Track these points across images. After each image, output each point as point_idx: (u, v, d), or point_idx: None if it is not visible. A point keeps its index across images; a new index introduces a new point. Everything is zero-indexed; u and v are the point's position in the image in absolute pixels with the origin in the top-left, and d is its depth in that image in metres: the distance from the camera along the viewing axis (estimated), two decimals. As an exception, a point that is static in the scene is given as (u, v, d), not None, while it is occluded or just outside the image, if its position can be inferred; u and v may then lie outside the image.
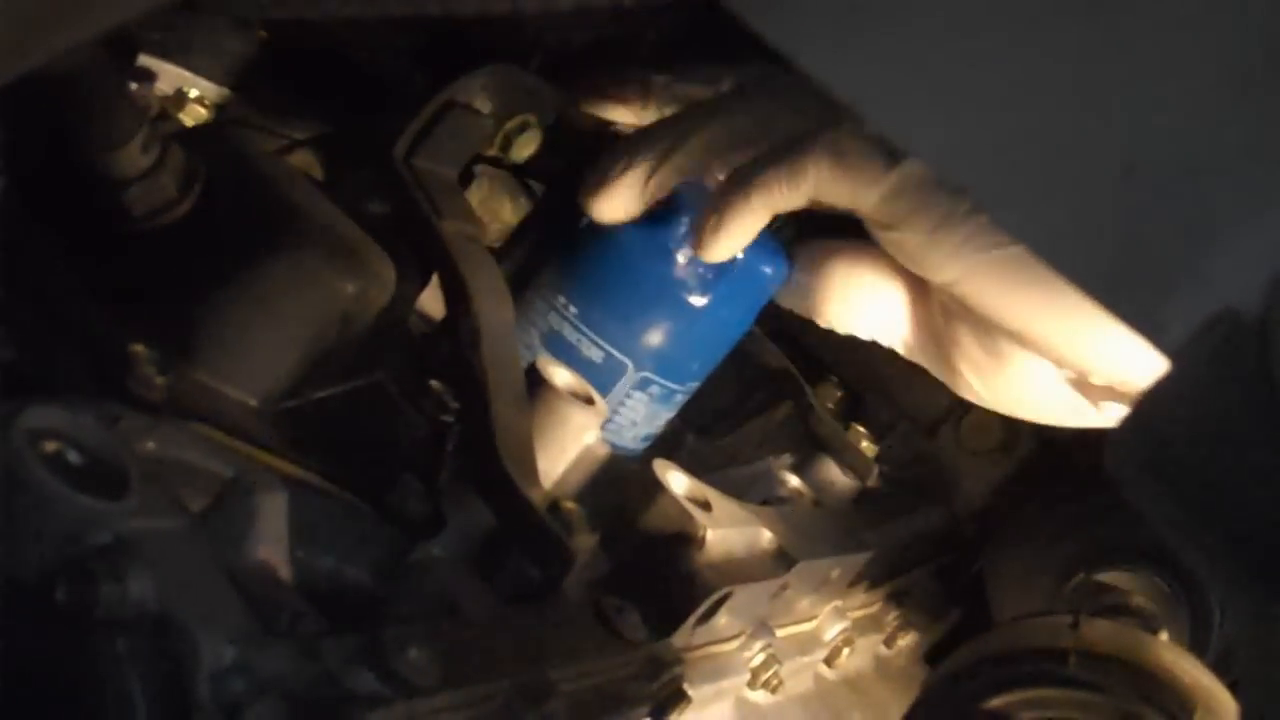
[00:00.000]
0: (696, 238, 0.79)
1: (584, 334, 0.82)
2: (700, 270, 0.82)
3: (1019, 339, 0.76)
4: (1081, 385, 0.79)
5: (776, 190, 0.75)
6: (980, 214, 0.71)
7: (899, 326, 0.84)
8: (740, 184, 0.76)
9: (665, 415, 0.88)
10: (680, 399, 0.88)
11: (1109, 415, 0.80)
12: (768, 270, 0.84)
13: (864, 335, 0.85)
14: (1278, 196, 0.37)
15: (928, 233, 0.73)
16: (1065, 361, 0.77)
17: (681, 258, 0.81)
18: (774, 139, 0.76)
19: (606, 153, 0.79)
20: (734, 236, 0.78)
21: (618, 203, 0.79)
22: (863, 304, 0.84)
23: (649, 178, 0.78)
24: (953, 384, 0.84)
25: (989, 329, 0.78)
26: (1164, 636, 0.98)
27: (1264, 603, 0.37)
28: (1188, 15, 0.38)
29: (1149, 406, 0.37)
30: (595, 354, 0.82)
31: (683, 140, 0.77)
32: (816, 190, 0.75)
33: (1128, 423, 0.37)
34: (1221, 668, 0.86)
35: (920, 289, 0.82)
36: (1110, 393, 0.78)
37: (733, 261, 0.81)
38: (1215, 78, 0.38)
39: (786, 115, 0.77)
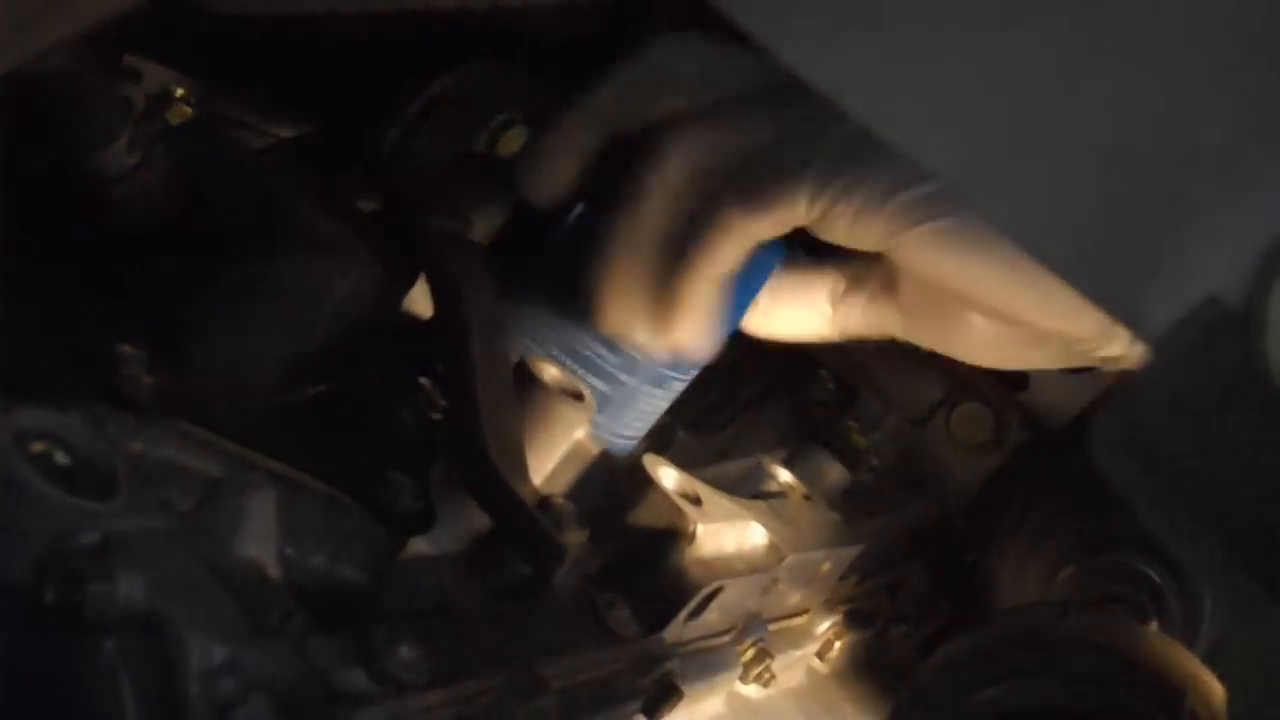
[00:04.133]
0: (664, 339, 0.79)
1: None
2: None
3: (956, 298, 0.78)
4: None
5: (712, 268, 0.76)
6: (896, 193, 0.73)
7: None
8: (676, 284, 0.76)
9: (664, 406, 0.88)
10: (679, 388, 0.88)
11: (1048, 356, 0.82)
12: (761, 258, 0.83)
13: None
14: (1259, 184, 0.38)
15: (851, 221, 0.74)
16: (1004, 318, 0.78)
17: None
18: (702, 97, 0.76)
19: (536, 132, 0.78)
20: (698, 327, 0.78)
21: (545, 182, 0.77)
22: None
23: (583, 154, 0.77)
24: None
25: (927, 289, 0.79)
26: (1154, 627, 0.98)
27: (1250, 591, 0.38)
28: (1168, 3, 0.38)
29: (1132, 393, 0.37)
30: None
31: (612, 116, 0.76)
32: (749, 240, 0.75)
33: (1109, 408, 0.37)
34: (1212, 659, 0.86)
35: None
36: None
37: None
38: (1196, 66, 0.39)
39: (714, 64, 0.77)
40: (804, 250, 0.86)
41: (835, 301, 0.86)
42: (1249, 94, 0.38)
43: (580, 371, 0.80)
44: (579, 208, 0.80)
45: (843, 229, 0.75)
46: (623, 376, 0.82)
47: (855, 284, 0.86)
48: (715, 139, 0.75)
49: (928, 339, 0.85)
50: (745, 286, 0.85)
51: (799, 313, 0.87)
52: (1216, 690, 0.77)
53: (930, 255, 0.75)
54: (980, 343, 0.83)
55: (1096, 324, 0.76)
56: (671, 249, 0.75)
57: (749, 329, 0.87)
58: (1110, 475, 0.39)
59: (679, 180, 0.75)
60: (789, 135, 0.74)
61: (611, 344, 0.81)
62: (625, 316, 0.77)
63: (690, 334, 0.78)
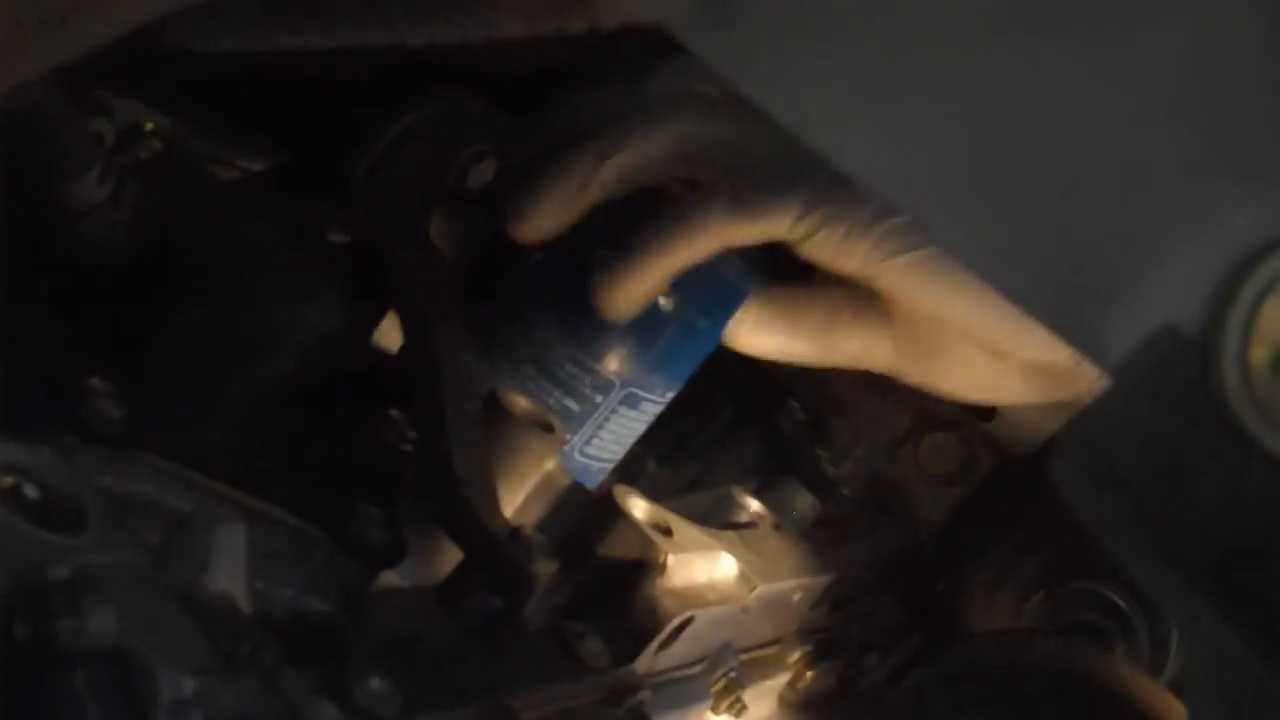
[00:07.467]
0: (595, 297, 0.79)
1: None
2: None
3: (944, 328, 0.78)
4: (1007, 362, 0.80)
5: (675, 253, 0.76)
6: (884, 219, 0.73)
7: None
8: (636, 249, 0.77)
9: (638, 430, 0.88)
10: (653, 412, 0.88)
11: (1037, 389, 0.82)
12: (731, 280, 0.84)
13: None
14: (1214, 214, 0.38)
15: (838, 244, 0.75)
16: (985, 344, 0.78)
17: None
18: (710, 156, 0.76)
19: (528, 171, 0.79)
20: (632, 299, 0.79)
21: (540, 223, 0.79)
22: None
23: (573, 197, 0.78)
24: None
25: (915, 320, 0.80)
26: (1120, 654, 0.99)
27: (1210, 617, 0.38)
28: (1126, 35, 0.39)
29: (1091, 420, 0.38)
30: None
31: (607, 158, 0.77)
32: (721, 242, 0.76)
33: (1070, 436, 0.38)
34: (1178, 685, 0.86)
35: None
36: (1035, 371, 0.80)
37: (698, 271, 0.81)
38: (1153, 97, 0.39)
39: (718, 126, 0.77)
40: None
41: (830, 326, 0.86)
42: (1204, 125, 0.39)
43: (554, 391, 0.81)
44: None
45: (829, 251, 0.75)
46: (597, 397, 0.83)
47: (852, 311, 0.85)
48: (712, 120, 0.75)
49: (915, 373, 0.85)
50: (713, 318, 0.86)
51: (791, 334, 0.87)
52: (1180, 717, 0.77)
53: (913, 283, 0.75)
54: (967, 377, 0.82)
55: (1073, 354, 0.76)
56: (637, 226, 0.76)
57: (738, 344, 0.87)
58: (1072, 503, 0.39)
59: (657, 148, 0.75)
60: (784, 148, 0.75)
61: (586, 363, 0.81)
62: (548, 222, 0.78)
63: (624, 305, 0.78)
